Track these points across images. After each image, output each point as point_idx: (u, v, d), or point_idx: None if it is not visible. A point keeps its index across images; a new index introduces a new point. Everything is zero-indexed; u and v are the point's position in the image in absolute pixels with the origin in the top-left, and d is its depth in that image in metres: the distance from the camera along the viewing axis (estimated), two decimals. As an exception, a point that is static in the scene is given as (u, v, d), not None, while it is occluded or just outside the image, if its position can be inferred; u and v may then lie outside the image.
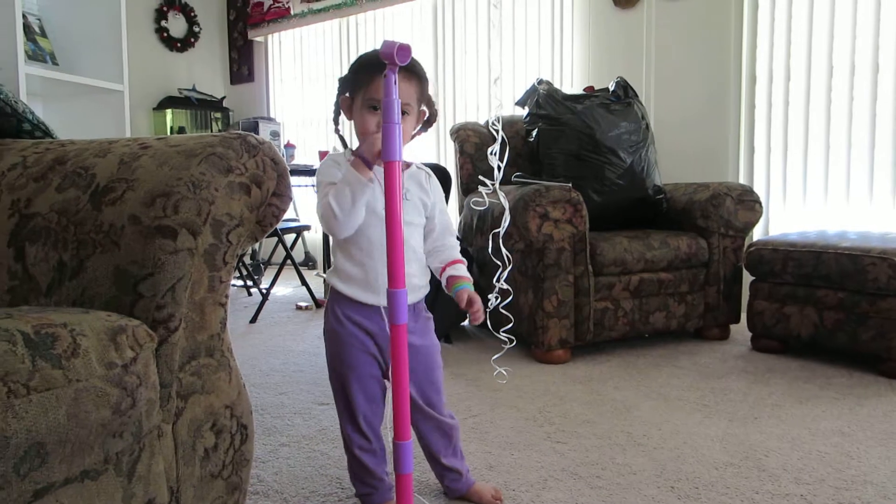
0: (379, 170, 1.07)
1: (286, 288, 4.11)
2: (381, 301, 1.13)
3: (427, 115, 1.22)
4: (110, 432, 0.77)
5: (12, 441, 0.64)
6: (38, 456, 0.67)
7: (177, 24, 4.78)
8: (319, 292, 3.77)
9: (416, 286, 1.23)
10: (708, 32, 3.23)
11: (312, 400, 1.98)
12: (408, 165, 1.22)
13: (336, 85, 1.24)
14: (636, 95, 2.84)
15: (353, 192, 1.08)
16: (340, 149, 1.28)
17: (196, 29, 4.85)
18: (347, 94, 1.20)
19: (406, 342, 0.98)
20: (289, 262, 3.41)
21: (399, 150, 0.94)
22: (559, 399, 1.96)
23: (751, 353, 2.46)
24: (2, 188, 1.07)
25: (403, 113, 1.11)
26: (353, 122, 1.19)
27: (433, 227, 1.27)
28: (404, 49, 0.90)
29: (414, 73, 1.15)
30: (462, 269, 1.24)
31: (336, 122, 1.24)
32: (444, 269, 1.25)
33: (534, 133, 2.80)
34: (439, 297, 2.73)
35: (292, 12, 4.74)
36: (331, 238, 1.19)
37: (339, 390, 1.24)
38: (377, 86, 1.09)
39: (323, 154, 4.13)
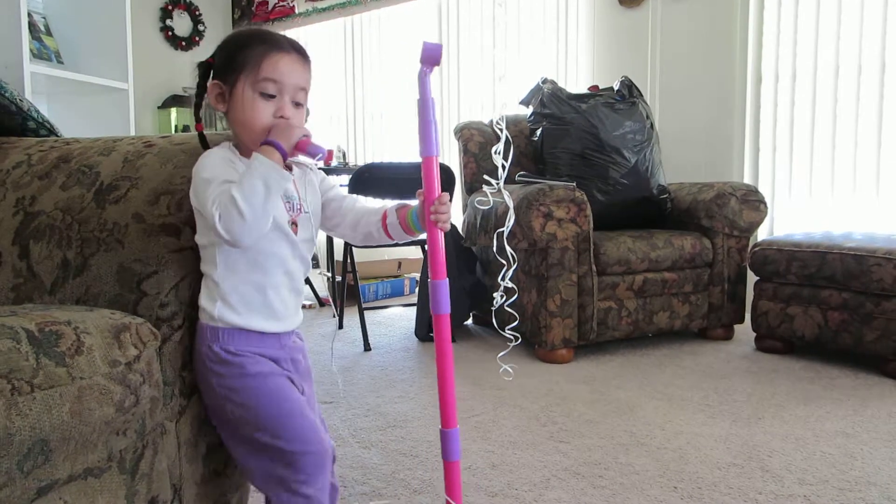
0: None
1: (290, 286, 4.11)
2: (284, 327, 0.97)
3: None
4: (114, 430, 0.78)
5: (16, 438, 0.64)
6: (42, 453, 0.68)
7: (181, 23, 4.79)
8: (323, 291, 3.77)
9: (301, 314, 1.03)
10: (713, 31, 3.22)
11: (315, 398, 1.99)
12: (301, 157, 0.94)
13: (198, 71, 0.99)
14: (641, 95, 2.83)
15: (269, 186, 0.85)
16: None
17: (201, 27, 4.86)
18: (217, 81, 0.96)
19: (449, 326, 0.96)
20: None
21: (436, 145, 0.94)
22: (562, 398, 1.95)
23: (755, 354, 2.45)
24: (7, 186, 1.08)
25: (298, 103, 0.96)
26: (228, 112, 0.96)
27: (340, 202, 1.06)
28: (441, 50, 0.91)
29: (307, 57, 0.98)
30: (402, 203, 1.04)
31: (197, 115, 0.99)
32: (385, 214, 1.02)
33: (538, 132, 2.80)
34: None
35: (297, 11, 4.74)
36: (206, 256, 0.94)
37: (269, 441, 0.92)
38: (272, 64, 0.92)
39: (328, 153, 4.12)
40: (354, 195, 1.09)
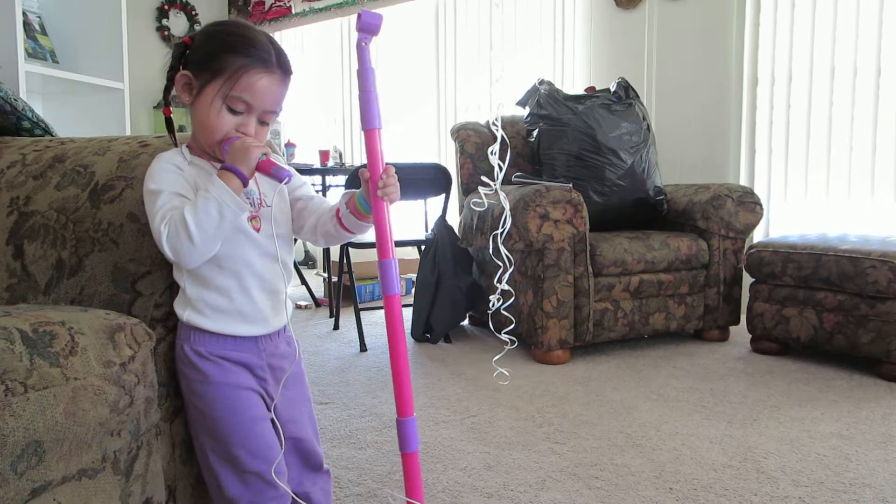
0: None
1: (286, 287, 4.10)
2: (259, 330, 0.94)
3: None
4: (108, 431, 0.77)
5: (9, 439, 0.64)
6: (36, 454, 0.67)
7: (178, 23, 4.78)
8: (319, 291, 3.77)
9: (287, 303, 0.99)
10: (710, 33, 3.23)
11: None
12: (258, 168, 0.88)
13: (174, 51, 0.92)
14: (637, 96, 2.84)
15: (223, 215, 0.82)
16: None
17: (197, 27, 4.85)
18: (189, 72, 0.89)
19: (401, 308, 0.91)
20: (288, 261, 3.39)
21: (378, 118, 0.88)
22: (558, 399, 1.96)
23: (750, 355, 2.46)
24: (1, 186, 1.07)
25: (264, 123, 0.91)
26: (192, 106, 0.90)
27: (307, 203, 1.01)
28: (381, 20, 0.86)
29: (291, 73, 0.93)
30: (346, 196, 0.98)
31: (167, 98, 0.94)
32: (338, 210, 0.97)
33: (534, 133, 2.80)
34: (438, 297, 2.74)
35: (293, 11, 4.73)
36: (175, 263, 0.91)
37: (225, 451, 0.93)
38: (249, 83, 0.86)
39: (324, 154, 4.13)
40: (322, 197, 1.05)
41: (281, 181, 0.85)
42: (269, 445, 0.94)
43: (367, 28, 0.86)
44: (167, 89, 0.93)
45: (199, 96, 0.88)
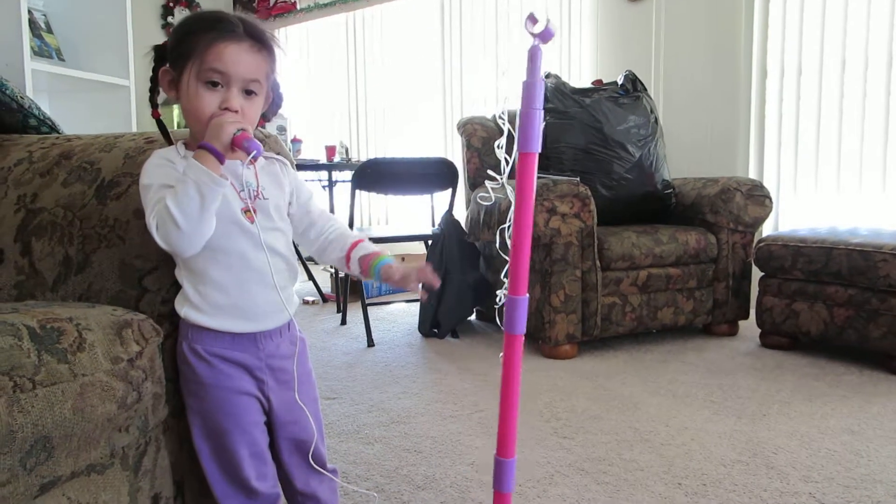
0: (232, 165, 0.88)
1: (293, 283, 4.10)
2: (259, 326, 0.92)
3: (272, 98, 0.97)
4: (116, 426, 0.77)
5: (18, 435, 0.64)
6: (45, 450, 0.68)
7: (183, 19, 4.79)
8: (326, 287, 3.77)
9: (292, 300, 0.97)
10: (718, 25, 3.20)
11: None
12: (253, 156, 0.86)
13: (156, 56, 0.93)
14: (645, 89, 2.82)
15: (203, 194, 0.81)
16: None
17: (203, 24, 4.86)
18: (168, 66, 0.91)
19: (521, 354, 0.87)
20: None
21: (538, 141, 0.80)
22: (566, 394, 1.95)
23: (759, 350, 2.44)
24: (8, 183, 1.08)
25: (251, 92, 0.89)
26: (180, 103, 0.90)
27: (312, 218, 1.02)
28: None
29: (266, 44, 0.91)
30: (370, 246, 0.99)
31: (153, 101, 0.95)
32: (349, 256, 0.99)
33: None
34: (445, 292, 2.74)
35: (298, 7, 4.73)
36: (177, 259, 0.92)
37: (214, 452, 0.93)
38: (217, 53, 0.85)
39: (330, 149, 4.12)
40: (329, 213, 1.04)
41: (249, 154, 0.82)
42: (256, 452, 0.94)
43: (545, 38, 0.80)
44: (152, 92, 0.94)
45: (180, 86, 0.89)
